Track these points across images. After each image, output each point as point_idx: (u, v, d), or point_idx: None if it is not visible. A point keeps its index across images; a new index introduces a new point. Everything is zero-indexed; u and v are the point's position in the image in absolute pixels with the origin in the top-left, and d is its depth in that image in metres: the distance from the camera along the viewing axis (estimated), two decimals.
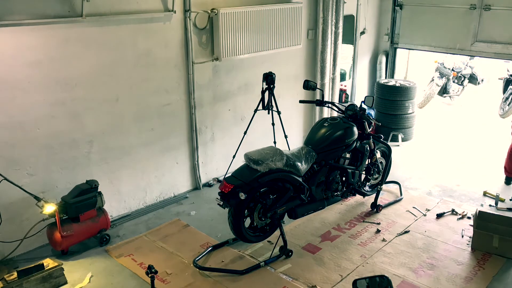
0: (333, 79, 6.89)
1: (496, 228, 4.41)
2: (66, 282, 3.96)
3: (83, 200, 4.28)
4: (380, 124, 7.09)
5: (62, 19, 4.13)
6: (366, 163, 5.08)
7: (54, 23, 4.09)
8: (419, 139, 7.50)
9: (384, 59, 7.88)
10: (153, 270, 3.29)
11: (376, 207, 5.22)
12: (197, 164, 5.66)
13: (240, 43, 5.42)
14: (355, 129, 4.78)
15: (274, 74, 5.21)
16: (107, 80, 4.60)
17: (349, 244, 4.60)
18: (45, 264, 3.90)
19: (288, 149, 4.94)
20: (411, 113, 7.33)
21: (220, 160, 5.92)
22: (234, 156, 5.34)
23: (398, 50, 7.86)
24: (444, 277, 4.09)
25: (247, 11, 5.38)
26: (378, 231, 4.82)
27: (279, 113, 5.32)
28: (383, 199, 5.42)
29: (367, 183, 5.36)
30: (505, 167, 5.85)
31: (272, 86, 5.21)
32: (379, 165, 5.32)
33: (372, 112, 7.46)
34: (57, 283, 3.90)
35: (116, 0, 4.45)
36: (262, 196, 4.25)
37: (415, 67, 9.09)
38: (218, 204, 4.10)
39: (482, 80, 10.00)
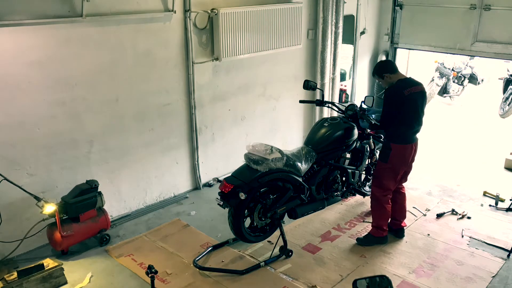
0: (333, 79, 6.88)
1: None
2: (66, 282, 3.95)
3: (83, 200, 4.28)
4: (379, 124, 7.06)
5: (62, 19, 4.12)
6: (366, 163, 5.08)
7: (54, 23, 4.09)
8: (419, 139, 7.46)
9: (384, 59, 7.87)
10: (153, 270, 3.29)
11: None
12: (197, 164, 5.66)
13: (240, 43, 5.41)
14: (355, 129, 4.79)
15: None
16: (107, 80, 4.59)
17: (349, 244, 4.59)
18: (45, 264, 3.90)
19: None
20: None
21: (220, 160, 5.91)
22: None
23: (398, 50, 7.85)
24: (444, 277, 4.09)
25: (247, 11, 5.37)
26: None
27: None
28: None
29: (367, 183, 5.35)
30: None
31: None
32: None
33: None
34: (57, 283, 3.90)
35: (116, 0, 4.45)
36: (262, 196, 4.24)
37: (415, 67, 9.07)
38: (218, 204, 4.10)
39: (482, 80, 10.01)
